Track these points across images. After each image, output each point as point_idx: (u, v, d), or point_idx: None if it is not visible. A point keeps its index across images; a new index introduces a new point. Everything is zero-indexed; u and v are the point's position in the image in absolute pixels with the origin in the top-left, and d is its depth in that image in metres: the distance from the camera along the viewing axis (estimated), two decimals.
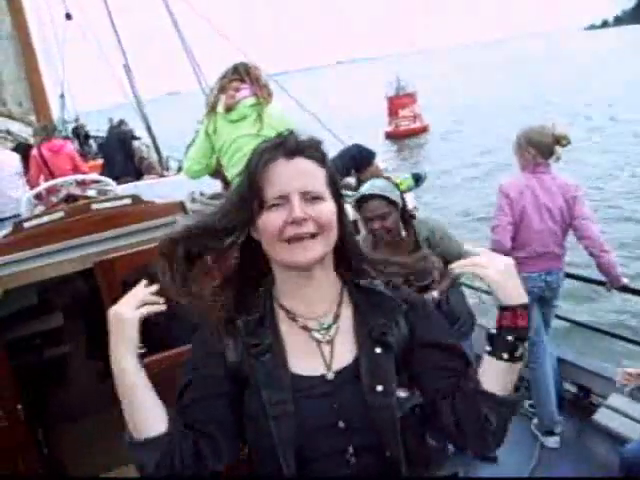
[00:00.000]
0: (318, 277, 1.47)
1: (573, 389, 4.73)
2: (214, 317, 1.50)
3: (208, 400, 1.46)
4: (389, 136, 32.64)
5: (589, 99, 36.80)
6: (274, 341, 1.46)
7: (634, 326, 9.02)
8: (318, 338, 1.48)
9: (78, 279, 4.90)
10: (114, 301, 3.33)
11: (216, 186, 4.54)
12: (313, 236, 1.39)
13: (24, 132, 11.79)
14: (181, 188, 4.67)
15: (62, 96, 15.98)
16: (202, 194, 4.06)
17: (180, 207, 4.06)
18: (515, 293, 1.36)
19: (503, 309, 1.37)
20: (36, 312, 5.17)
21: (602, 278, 4.27)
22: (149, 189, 4.76)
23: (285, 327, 1.50)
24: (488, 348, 1.40)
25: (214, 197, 4.04)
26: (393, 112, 33.85)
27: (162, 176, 10.29)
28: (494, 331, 1.40)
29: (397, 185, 3.88)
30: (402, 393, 1.44)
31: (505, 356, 1.37)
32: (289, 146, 1.43)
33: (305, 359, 1.47)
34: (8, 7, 12.86)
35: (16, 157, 7.36)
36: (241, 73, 3.99)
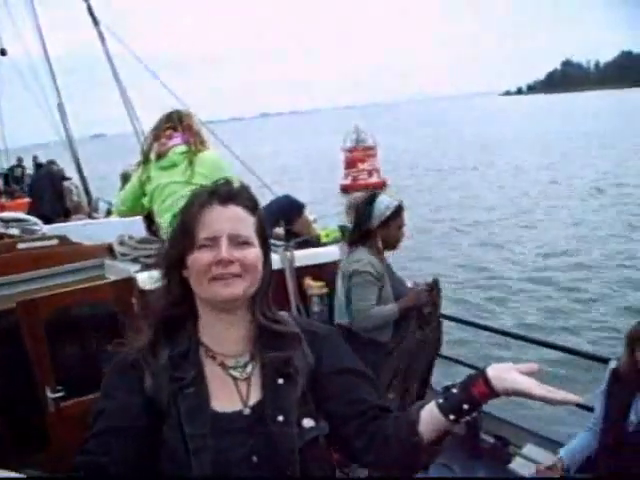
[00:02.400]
0: (238, 318, 1.54)
1: (491, 439, 4.86)
2: (135, 348, 1.53)
3: (112, 432, 1.45)
4: (345, 189, 30.53)
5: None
6: (197, 376, 1.50)
7: None
8: (235, 375, 1.53)
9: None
10: (35, 342, 3.31)
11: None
12: (237, 276, 1.47)
13: None
14: (110, 231, 4.65)
15: None
16: (131, 237, 4.06)
17: (108, 250, 4.06)
18: (509, 384, 1.37)
19: (483, 381, 1.39)
20: None
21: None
22: (77, 230, 4.73)
23: (206, 364, 1.54)
24: (440, 400, 1.43)
25: (143, 241, 4.05)
26: (350, 164, 32.05)
27: (91, 217, 10.16)
28: (455, 390, 1.43)
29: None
30: (307, 423, 1.49)
31: (452, 417, 1.41)
32: (223, 193, 1.52)
33: (224, 396, 1.51)
34: None
35: None
36: (174, 121, 4.04)
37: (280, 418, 1.46)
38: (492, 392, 1.38)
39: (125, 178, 11.80)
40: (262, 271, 1.54)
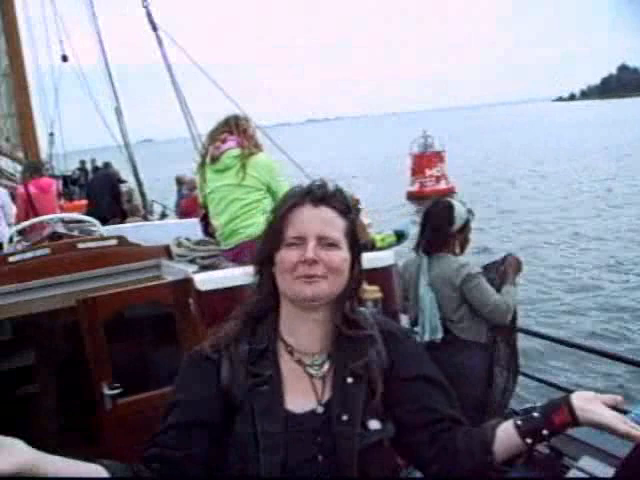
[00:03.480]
0: (319, 317, 1.55)
1: (545, 450, 4.76)
2: (217, 340, 1.57)
3: (187, 426, 1.49)
4: (412, 196, 29.51)
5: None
6: (274, 374, 1.52)
7: None
8: (312, 373, 1.55)
9: (54, 316, 4.89)
10: (94, 339, 3.37)
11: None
12: (322, 277, 1.49)
13: (11, 168, 11.84)
14: (166, 233, 4.72)
15: (51, 134, 16.08)
16: (188, 239, 4.12)
17: (165, 251, 4.12)
18: (594, 416, 1.35)
19: (567, 409, 1.37)
20: (9, 348, 5.13)
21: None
22: (134, 231, 4.81)
23: (284, 360, 1.56)
24: (519, 422, 1.41)
25: (199, 243, 4.10)
26: (418, 171, 30.55)
27: (146, 219, 10.36)
28: (536, 414, 1.40)
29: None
30: (373, 424, 1.49)
31: (529, 440, 1.39)
32: (316, 194, 1.54)
33: (299, 393, 1.53)
34: (7, 47, 13.06)
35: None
36: (231, 125, 4.11)
37: (345, 417, 1.47)
38: (574, 421, 1.36)
39: (179, 182, 12.04)
40: (348, 274, 1.54)
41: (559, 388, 5.35)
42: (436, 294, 3.85)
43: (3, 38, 13.52)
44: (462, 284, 3.80)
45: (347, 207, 1.58)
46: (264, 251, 1.57)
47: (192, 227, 4.64)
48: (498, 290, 3.85)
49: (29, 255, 4.03)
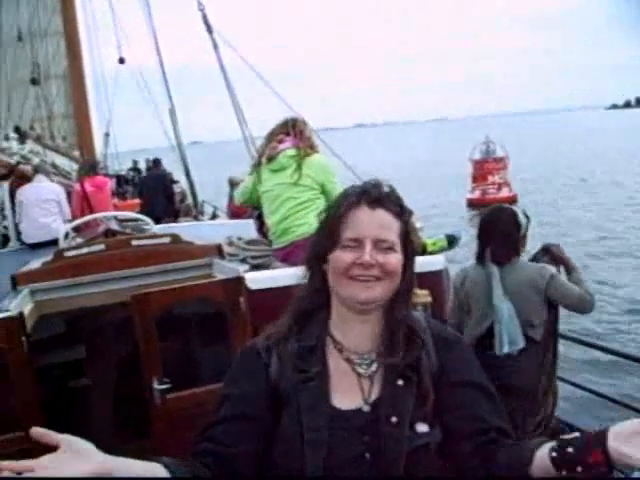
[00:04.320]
0: (371, 318, 1.56)
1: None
2: (268, 335, 1.60)
3: (237, 420, 1.51)
4: (472, 204, 27.78)
5: None
6: (321, 370, 1.54)
7: None
8: (360, 372, 1.55)
9: (106, 312, 4.98)
10: (146, 334, 3.42)
11: (253, 232, 4.61)
12: (377, 279, 1.49)
13: (67, 166, 12.13)
14: (217, 232, 4.78)
15: (107, 134, 16.46)
16: (239, 238, 4.15)
17: (217, 250, 4.17)
18: (632, 461, 1.25)
19: (602, 451, 1.28)
20: (62, 341, 5.24)
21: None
22: (186, 230, 4.88)
23: (331, 357, 1.57)
24: (554, 454, 1.33)
25: (251, 242, 4.14)
26: (479, 178, 29.39)
27: (197, 219, 10.50)
28: (570, 449, 1.32)
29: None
30: (421, 427, 1.49)
31: (564, 473, 1.33)
32: (372, 195, 1.54)
33: (345, 391, 1.53)
34: (67, 51, 13.40)
35: (55, 188, 7.57)
36: (288, 127, 4.17)
37: (394, 419, 1.47)
38: (610, 463, 1.28)
39: (232, 184, 12.19)
40: (402, 275, 1.55)
41: (611, 400, 5.24)
42: (515, 302, 3.79)
43: (63, 41, 13.91)
44: (547, 286, 3.79)
45: (401, 208, 1.59)
46: (318, 249, 1.59)
47: (243, 227, 4.68)
48: None
49: (84, 250, 4.11)
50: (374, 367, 1.56)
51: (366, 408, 1.51)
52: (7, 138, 7.74)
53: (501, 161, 29.85)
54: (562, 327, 4.31)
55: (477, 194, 28.85)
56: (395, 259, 1.52)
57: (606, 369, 8.97)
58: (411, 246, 1.59)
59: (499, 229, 3.91)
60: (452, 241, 4.39)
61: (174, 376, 3.56)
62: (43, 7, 13.66)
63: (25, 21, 12.61)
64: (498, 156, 30.14)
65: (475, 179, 29.74)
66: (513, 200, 26.11)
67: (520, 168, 32.93)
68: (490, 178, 29.15)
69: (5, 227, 8.66)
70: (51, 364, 4.74)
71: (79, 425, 4.77)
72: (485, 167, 29.67)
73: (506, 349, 3.77)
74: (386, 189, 1.59)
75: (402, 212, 1.58)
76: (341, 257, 1.51)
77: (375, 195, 1.55)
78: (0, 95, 9.76)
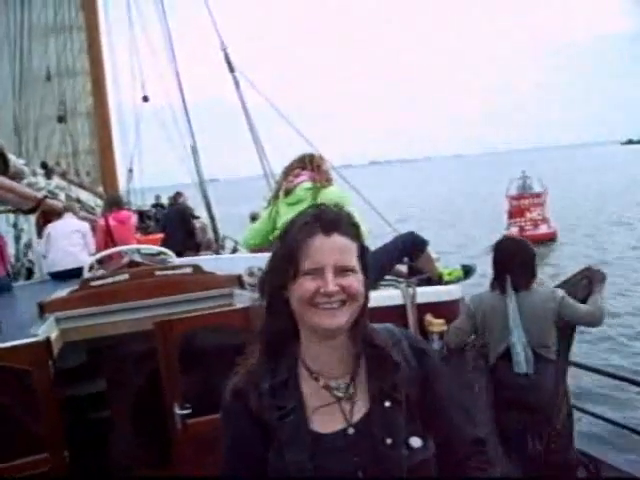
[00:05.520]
0: (339, 342, 1.56)
1: None
2: (242, 374, 1.62)
3: (235, 461, 1.61)
4: None
5: None
6: (297, 403, 1.55)
7: None
8: (339, 395, 1.56)
9: (126, 343, 5.06)
10: (169, 360, 3.51)
11: None
12: (342, 303, 1.49)
13: (91, 201, 12.35)
14: (237, 265, 4.88)
15: (130, 170, 16.76)
16: (260, 269, 4.24)
17: (237, 280, 4.26)
18: None
19: None
20: (83, 373, 5.33)
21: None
22: (207, 263, 4.98)
23: (308, 386, 1.57)
24: None
25: None
26: (516, 214, 28.22)
27: (217, 253, 10.63)
28: None
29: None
30: (415, 442, 1.51)
31: None
32: (326, 221, 1.53)
33: (326, 416, 1.55)
34: (93, 89, 13.74)
35: (81, 223, 7.81)
36: (305, 162, 4.28)
37: (388, 441, 1.49)
38: None
39: (253, 218, 12.38)
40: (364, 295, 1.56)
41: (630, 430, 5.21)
42: (530, 325, 3.95)
43: (89, 80, 14.29)
44: (560, 307, 3.97)
45: (356, 230, 1.57)
46: (277, 279, 1.56)
47: (263, 260, 4.77)
48: (583, 301, 4.04)
49: (109, 280, 4.23)
50: (351, 389, 1.57)
51: (350, 430, 1.53)
52: (34, 174, 7.95)
53: (539, 197, 28.49)
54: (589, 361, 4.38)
55: (514, 231, 26.99)
56: (357, 281, 1.51)
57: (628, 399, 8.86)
58: (366, 263, 1.58)
59: (520, 258, 4.08)
60: (468, 271, 4.47)
61: (195, 403, 3.63)
62: (70, 48, 14.07)
63: (53, 61, 12.99)
64: (535, 191, 28.92)
65: (511, 215, 28.54)
66: (552, 238, 26.09)
67: (556, 204, 31.15)
68: (528, 214, 27.98)
69: (30, 260, 8.87)
70: (73, 396, 4.82)
71: (101, 455, 4.87)
72: (522, 203, 28.41)
73: (524, 369, 3.91)
74: (338, 213, 1.57)
75: (358, 233, 1.57)
76: (303, 287, 1.49)
77: (328, 221, 1.53)
78: (28, 132, 10.03)
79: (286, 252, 1.54)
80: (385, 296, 3.87)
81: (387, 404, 1.53)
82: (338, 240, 1.51)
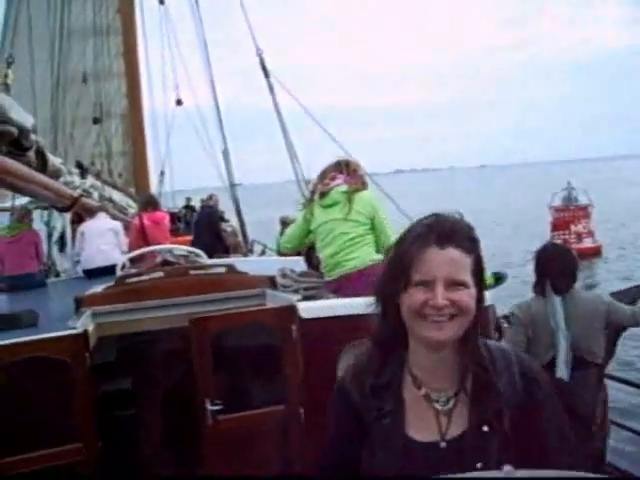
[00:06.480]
0: (446, 355, 1.55)
1: None
2: (350, 372, 1.67)
3: (335, 456, 1.67)
4: None
5: None
6: (396, 406, 1.56)
7: None
8: (437, 408, 1.56)
9: (156, 342, 5.10)
10: (202, 356, 3.56)
11: (303, 268, 4.73)
12: (451, 317, 1.48)
13: (124, 202, 12.51)
14: (267, 267, 4.93)
15: (162, 173, 16.94)
16: (292, 271, 4.29)
17: (270, 281, 4.31)
18: None
19: None
20: (112, 370, 5.39)
21: None
22: (240, 264, 5.04)
23: (409, 392, 1.58)
24: None
25: (304, 274, 4.26)
26: (560, 226, 27.17)
27: (246, 257, 10.71)
28: None
29: None
30: (508, 470, 1.41)
31: None
32: (441, 233, 1.51)
33: (422, 425, 1.55)
34: (128, 91, 13.95)
35: (114, 222, 7.97)
36: (341, 166, 4.31)
37: (479, 465, 1.47)
38: None
39: (284, 223, 12.49)
40: (475, 310, 1.53)
41: None
42: (577, 330, 3.98)
43: (124, 82, 14.51)
44: (609, 310, 4.06)
45: (473, 243, 1.55)
46: (388, 289, 1.57)
47: (292, 264, 4.81)
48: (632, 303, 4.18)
49: (145, 277, 4.31)
50: (451, 404, 1.56)
51: (443, 444, 1.53)
52: (70, 173, 8.08)
53: (584, 209, 27.31)
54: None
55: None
56: (468, 296, 1.49)
57: None
58: (483, 279, 1.56)
59: (560, 262, 4.15)
60: (499, 278, 4.46)
61: (226, 400, 3.67)
62: (107, 50, 14.28)
63: (90, 63, 13.20)
64: (581, 204, 27.64)
65: (555, 227, 27.35)
66: (597, 252, 25.15)
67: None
68: (572, 227, 26.87)
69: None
70: (103, 392, 4.90)
71: (130, 452, 4.92)
72: (566, 215, 27.34)
73: (566, 375, 3.93)
74: (455, 224, 1.55)
75: (474, 246, 1.55)
76: (413, 297, 1.49)
77: (444, 232, 1.51)
78: (64, 131, 10.20)
79: (399, 262, 1.54)
80: None
81: (485, 429, 1.51)
82: (452, 253, 1.50)
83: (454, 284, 1.48)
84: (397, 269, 1.54)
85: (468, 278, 1.50)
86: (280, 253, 7.92)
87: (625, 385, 5.34)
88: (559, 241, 25.07)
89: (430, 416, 1.55)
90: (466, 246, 1.52)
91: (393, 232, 4.22)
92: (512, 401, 1.53)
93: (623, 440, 5.55)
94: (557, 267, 4.11)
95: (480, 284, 1.54)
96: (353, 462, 1.59)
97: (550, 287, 4.07)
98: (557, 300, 4.04)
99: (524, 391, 1.55)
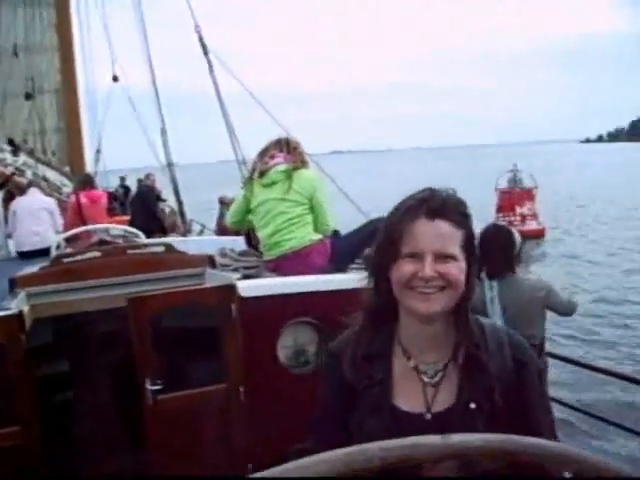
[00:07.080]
0: (436, 328, 1.57)
1: None
2: (343, 339, 1.71)
3: (324, 419, 1.70)
4: None
5: None
6: (385, 377, 1.59)
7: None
8: (425, 380, 1.58)
9: (92, 323, 5.03)
10: (141, 336, 3.54)
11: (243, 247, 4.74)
12: (439, 289, 1.49)
13: (58, 180, 12.21)
14: (206, 246, 4.91)
15: (98, 151, 16.56)
16: (232, 250, 4.29)
17: (209, 260, 4.30)
18: None
19: None
20: (48, 353, 5.29)
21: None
22: (176, 244, 5.01)
23: (399, 363, 1.61)
24: None
25: (243, 254, 4.27)
26: (505, 208, 27.49)
27: (185, 236, 10.63)
28: None
29: None
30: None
31: None
32: (433, 206, 1.52)
33: (409, 396, 1.58)
34: (61, 65, 13.52)
35: (48, 200, 7.76)
36: (282, 144, 4.31)
37: None
38: None
39: (222, 202, 12.42)
40: (465, 283, 1.54)
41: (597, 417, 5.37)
42: (514, 316, 3.93)
43: (57, 56, 14.06)
44: (547, 297, 4.08)
45: (463, 216, 1.56)
46: (380, 261, 1.59)
47: (231, 243, 4.80)
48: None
49: (81, 257, 4.23)
50: (439, 377, 1.58)
51: (428, 416, 1.55)
52: (1, 150, 7.86)
53: (529, 192, 27.77)
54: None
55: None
56: (457, 269, 1.50)
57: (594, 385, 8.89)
58: (474, 253, 1.57)
59: (494, 244, 4.04)
60: None
61: (167, 379, 3.66)
62: (40, 21, 13.80)
63: (21, 35, 12.76)
64: (526, 186, 28.09)
65: (500, 209, 27.66)
66: (541, 234, 25.52)
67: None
68: (517, 209, 27.23)
69: None
70: (38, 376, 4.83)
71: (67, 438, 4.85)
72: (512, 197, 27.72)
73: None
74: (447, 198, 1.56)
75: (464, 219, 1.56)
76: (402, 269, 1.50)
77: (434, 205, 1.52)
78: None
79: (389, 234, 1.55)
80: (355, 279, 3.94)
81: (472, 406, 1.53)
82: (441, 226, 1.51)
83: (443, 257, 1.49)
84: (388, 242, 1.55)
85: (457, 251, 1.51)
86: (223, 232, 7.86)
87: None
88: (503, 223, 26.34)
89: (418, 388, 1.58)
90: (456, 220, 1.53)
91: (331, 213, 4.26)
92: (502, 382, 1.55)
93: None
94: (496, 249, 4.04)
95: (471, 259, 1.56)
96: (345, 428, 1.62)
97: (485, 272, 4.06)
98: (492, 285, 4.03)
99: (514, 373, 1.57)
